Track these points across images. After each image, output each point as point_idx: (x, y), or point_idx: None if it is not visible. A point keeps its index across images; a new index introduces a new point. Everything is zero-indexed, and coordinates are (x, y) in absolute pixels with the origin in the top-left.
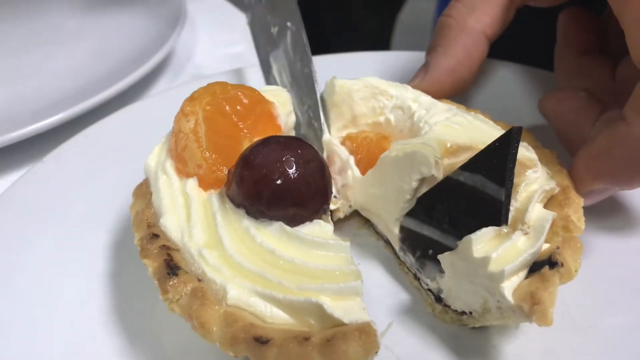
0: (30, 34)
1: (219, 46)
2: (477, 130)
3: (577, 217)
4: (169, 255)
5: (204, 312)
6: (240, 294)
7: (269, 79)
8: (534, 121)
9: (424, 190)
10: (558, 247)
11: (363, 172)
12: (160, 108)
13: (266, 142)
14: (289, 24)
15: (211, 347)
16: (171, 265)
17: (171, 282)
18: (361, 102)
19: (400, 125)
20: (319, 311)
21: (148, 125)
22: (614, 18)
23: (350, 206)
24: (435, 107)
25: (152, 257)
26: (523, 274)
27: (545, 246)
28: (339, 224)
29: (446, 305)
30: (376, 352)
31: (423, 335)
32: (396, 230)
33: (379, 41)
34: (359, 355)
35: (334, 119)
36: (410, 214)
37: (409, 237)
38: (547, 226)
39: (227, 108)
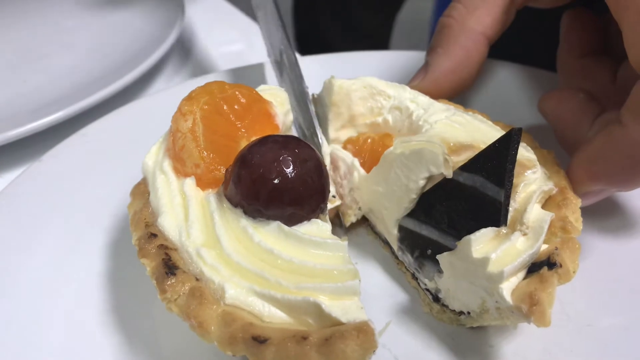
0: (28, 32)
1: (217, 45)
2: (477, 130)
3: (575, 217)
4: (167, 254)
5: (202, 311)
6: (238, 293)
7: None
8: (533, 121)
9: (427, 188)
10: (556, 248)
11: (368, 172)
12: (157, 107)
13: (263, 141)
14: (282, 47)
15: (209, 347)
16: (169, 265)
17: (169, 282)
18: (359, 102)
19: (399, 126)
20: (317, 310)
21: (145, 124)
22: (615, 20)
23: (359, 209)
24: (433, 107)
25: (150, 257)
26: (522, 274)
27: (544, 247)
28: (336, 223)
29: (444, 305)
30: (374, 352)
31: (421, 335)
32: (395, 230)
33: (378, 40)
34: (357, 354)
35: (332, 118)
36: (409, 213)
37: (407, 237)
38: (546, 227)
39: (225, 107)
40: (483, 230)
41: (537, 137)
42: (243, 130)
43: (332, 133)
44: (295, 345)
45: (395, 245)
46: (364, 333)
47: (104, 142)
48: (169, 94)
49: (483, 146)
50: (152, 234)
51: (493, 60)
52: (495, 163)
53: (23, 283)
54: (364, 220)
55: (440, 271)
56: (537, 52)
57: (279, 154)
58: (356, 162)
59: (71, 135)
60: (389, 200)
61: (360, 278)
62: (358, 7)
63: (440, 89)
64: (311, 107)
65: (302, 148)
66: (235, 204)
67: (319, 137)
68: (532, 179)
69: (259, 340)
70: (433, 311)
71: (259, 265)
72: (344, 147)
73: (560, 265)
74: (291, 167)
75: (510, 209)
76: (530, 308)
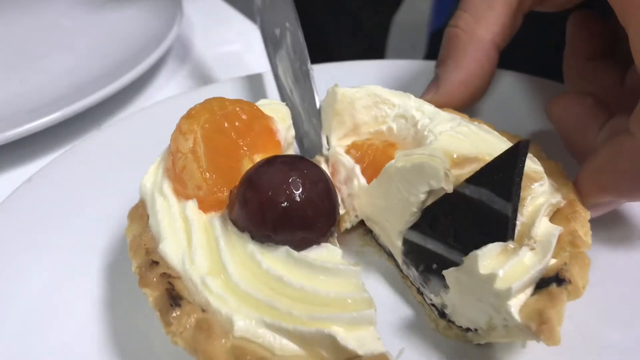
0: (26, 32)
1: (215, 45)
2: (483, 141)
3: (584, 231)
4: (170, 283)
5: (210, 345)
6: (247, 325)
7: (277, 82)
8: (539, 131)
9: (429, 202)
10: (565, 264)
11: (369, 180)
12: (152, 121)
13: (271, 162)
14: (287, 24)
15: None
16: (173, 295)
17: (174, 314)
18: (363, 110)
19: (404, 134)
20: (332, 342)
21: (140, 140)
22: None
23: (356, 216)
24: (439, 116)
25: (152, 286)
26: (530, 290)
27: (552, 262)
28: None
29: (450, 321)
30: None
31: (426, 351)
32: (399, 243)
33: (375, 40)
34: None
35: (335, 127)
36: (414, 226)
37: (412, 251)
38: (554, 241)
39: (226, 125)
40: (490, 246)
41: (544, 147)
42: (245, 148)
43: (335, 141)
44: None
45: (399, 258)
46: None
47: (98, 158)
48: (166, 106)
49: (488, 158)
50: (153, 262)
51: (499, 70)
52: (503, 176)
53: (16, 311)
54: (368, 232)
55: (446, 286)
56: (539, 55)
57: (287, 175)
58: (357, 168)
59: (61, 152)
60: (391, 213)
61: (376, 307)
62: (356, 6)
63: (454, 102)
64: (314, 86)
65: (311, 169)
66: (241, 228)
67: (317, 114)
68: (539, 192)
69: None
70: (439, 327)
71: (268, 294)
72: (347, 152)
73: (570, 282)
74: (301, 190)
75: (517, 222)
76: (539, 326)
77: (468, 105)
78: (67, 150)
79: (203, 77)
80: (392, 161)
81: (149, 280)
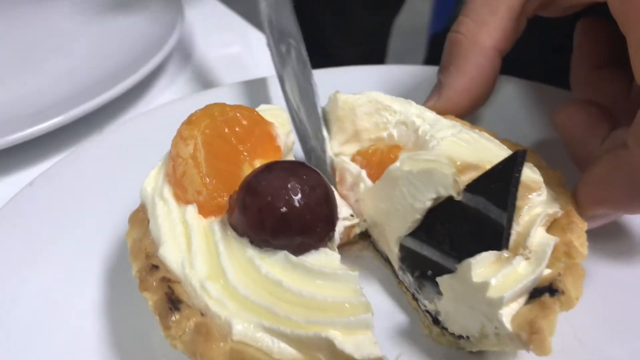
0: (28, 36)
1: (216, 48)
2: (484, 149)
3: (580, 242)
4: (170, 288)
5: (209, 348)
6: (245, 329)
7: (286, 99)
8: (541, 139)
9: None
10: (559, 274)
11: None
12: (153, 125)
13: (270, 167)
14: (291, 40)
15: None
16: (173, 300)
17: (173, 318)
18: (364, 117)
19: (404, 140)
20: (329, 346)
21: (141, 144)
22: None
23: (364, 220)
24: (439, 123)
25: (151, 290)
26: (522, 300)
27: (547, 272)
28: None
29: (443, 328)
30: None
31: (420, 357)
32: (396, 249)
33: (376, 43)
34: None
35: (336, 133)
36: (411, 232)
37: (408, 257)
38: (549, 252)
39: (226, 130)
40: (484, 254)
41: (545, 155)
42: (245, 153)
43: (335, 147)
44: None
45: (396, 264)
46: None
47: (98, 162)
48: (167, 110)
49: (489, 166)
50: (153, 266)
51: (500, 76)
52: (499, 185)
53: (16, 314)
54: (365, 237)
55: (440, 293)
56: (541, 60)
57: (287, 181)
58: (363, 173)
59: (62, 156)
60: (392, 218)
61: (373, 311)
62: (356, 9)
63: (457, 108)
64: (318, 102)
65: (310, 174)
66: (241, 233)
67: (324, 134)
68: (537, 202)
69: None
70: (433, 334)
71: (266, 298)
72: (353, 159)
73: (563, 292)
74: (300, 195)
75: (512, 232)
76: (529, 336)
77: (471, 112)
78: (68, 154)
79: (204, 81)
80: (397, 163)
81: (148, 284)
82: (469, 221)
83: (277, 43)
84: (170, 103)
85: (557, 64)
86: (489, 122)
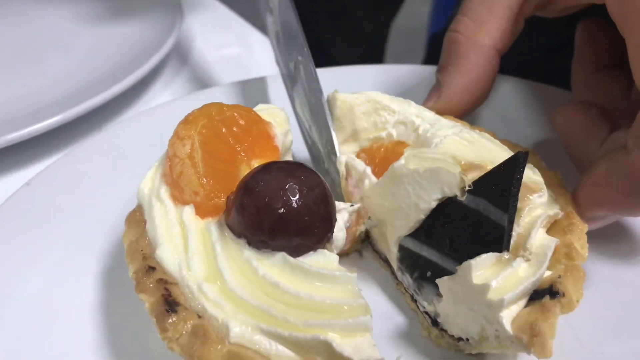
0: (26, 36)
1: (215, 48)
2: (484, 149)
3: (580, 244)
4: (166, 289)
5: (206, 351)
6: (243, 331)
7: (297, 117)
8: (539, 139)
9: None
10: (560, 276)
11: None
12: (150, 125)
13: (268, 168)
14: (299, 57)
15: None
16: (169, 302)
17: (170, 320)
18: (363, 116)
19: (404, 140)
20: (328, 349)
21: (138, 144)
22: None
23: (369, 218)
24: (439, 122)
25: (148, 292)
26: (523, 302)
27: (547, 273)
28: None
29: (443, 330)
30: None
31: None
32: (395, 249)
33: (375, 44)
34: None
35: (335, 133)
36: (410, 233)
37: (407, 257)
38: (549, 254)
39: (224, 130)
40: (484, 256)
41: (544, 155)
42: (243, 153)
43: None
44: None
45: (395, 264)
46: None
47: (96, 162)
48: (164, 110)
49: (491, 166)
50: (150, 267)
51: (499, 75)
52: (500, 186)
53: (12, 315)
54: (365, 237)
55: (439, 295)
56: (539, 59)
57: (284, 181)
58: (368, 170)
59: (59, 156)
60: (395, 216)
61: (371, 313)
62: (355, 10)
63: (457, 108)
64: (330, 124)
65: (308, 175)
66: (238, 234)
67: (337, 155)
68: (537, 203)
69: None
70: (432, 335)
71: (264, 300)
72: (358, 156)
73: (563, 295)
74: (298, 196)
75: (513, 234)
76: (530, 339)
77: (470, 111)
78: (65, 154)
79: (203, 81)
80: (402, 161)
81: (145, 286)
82: (469, 222)
83: (285, 61)
84: (168, 103)
85: (554, 64)
86: (488, 121)
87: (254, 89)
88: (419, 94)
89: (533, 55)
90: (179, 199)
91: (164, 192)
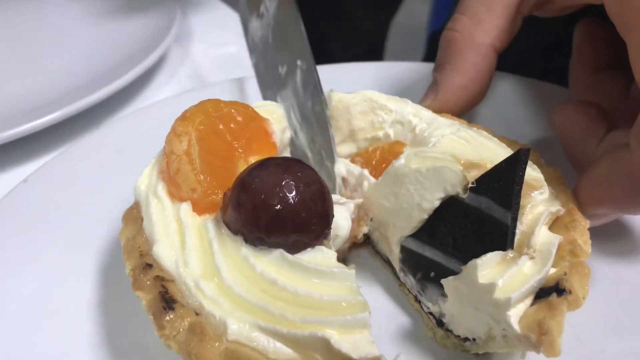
0: (25, 32)
1: (214, 46)
2: (483, 147)
3: (583, 240)
4: (163, 287)
5: (204, 348)
6: (241, 328)
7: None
8: (537, 137)
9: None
10: (565, 274)
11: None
12: (148, 122)
13: (264, 164)
14: (299, 62)
15: None
16: (167, 299)
17: (167, 317)
18: (359, 116)
19: (401, 139)
20: (326, 346)
21: (136, 141)
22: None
23: (371, 219)
24: (437, 121)
25: (145, 289)
26: (529, 300)
27: (552, 271)
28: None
29: (448, 330)
30: None
31: None
32: (397, 250)
33: (374, 43)
34: None
35: (334, 138)
36: (412, 234)
37: (409, 258)
38: (554, 251)
39: (221, 127)
40: (489, 255)
41: (542, 152)
42: (240, 150)
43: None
44: None
45: (397, 265)
46: None
47: (94, 159)
48: (162, 107)
49: (490, 165)
50: (147, 264)
51: (496, 72)
52: (502, 184)
53: (8, 312)
54: (366, 238)
55: (444, 295)
56: (535, 57)
57: (281, 178)
58: (366, 172)
59: (57, 153)
60: (397, 217)
61: (370, 310)
62: (355, 8)
63: (454, 106)
64: (330, 126)
65: (305, 171)
66: (235, 231)
67: (334, 159)
68: (539, 200)
69: None
70: (437, 336)
71: (262, 297)
72: (352, 161)
73: (570, 292)
74: (294, 192)
75: (517, 231)
76: (539, 337)
77: (467, 110)
78: (62, 151)
79: (202, 78)
80: (402, 160)
81: (142, 283)
82: (472, 221)
83: (274, 63)
84: (166, 100)
85: (552, 63)
86: (485, 119)
87: (252, 86)
88: (418, 91)
89: (531, 53)
90: (176, 195)
91: (161, 189)
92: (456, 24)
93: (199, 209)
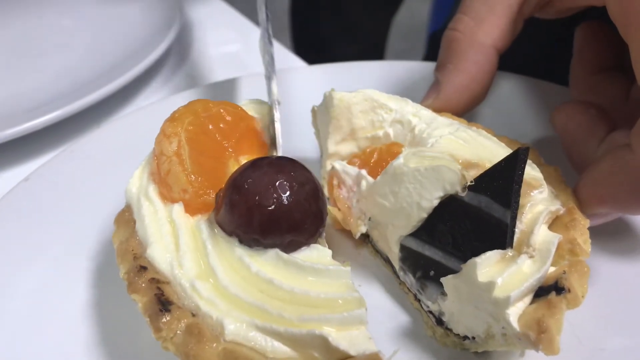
0: (25, 32)
1: (215, 45)
2: (482, 147)
3: (583, 239)
4: (159, 289)
5: (201, 349)
6: (238, 328)
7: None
8: (538, 136)
9: None
10: (564, 272)
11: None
12: (139, 124)
13: (257, 164)
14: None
15: None
16: (162, 301)
17: (164, 319)
18: (360, 115)
19: (401, 139)
20: (324, 343)
21: (135, 140)
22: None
23: (370, 219)
24: (436, 121)
25: (141, 292)
26: (528, 298)
27: (551, 269)
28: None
29: (448, 329)
30: None
31: (423, 359)
32: (396, 249)
33: (375, 42)
34: None
35: (332, 131)
36: (412, 232)
37: (409, 257)
38: (553, 250)
39: (210, 127)
40: (489, 253)
41: (542, 151)
42: (230, 150)
43: (331, 146)
44: None
45: (396, 264)
46: None
47: (94, 158)
48: (162, 107)
49: (488, 164)
50: (141, 267)
51: (497, 72)
52: (501, 183)
53: (4, 312)
54: (365, 237)
55: (443, 293)
56: (538, 60)
57: (274, 178)
58: (363, 171)
59: (58, 152)
60: (396, 216)
61: (366, 306)
62: (355, 8)
63: (455, 106)
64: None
65: (298, 170)
66: (229, 232)
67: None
68: (539, 199)
69: None
70: (436, 335)
71: (258, 296)
72: (350, 163)
73: (569, 290)
74: (288, 193)
75: (516, 230)
76: (538, 336)
77: (469, 109)
78: (64, 150)
79: (203, 78)
80: (400, 159)
81: (137, 286)
82: (471, 220)
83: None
84: (167, 99)
85: (552, 63)
86: (486, 118)
87: (244, 86)
88: (419, 90)
89: (532, 53)
90: (168, 197)
91: (152, 191)
92: (458, 24)
93: (191, 209)
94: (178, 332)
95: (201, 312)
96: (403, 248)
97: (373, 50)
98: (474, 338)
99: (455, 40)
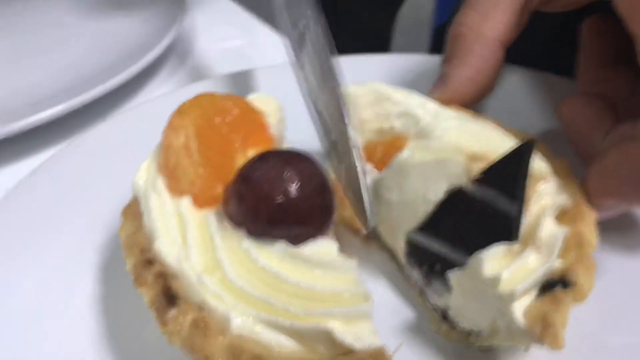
0: (29, 28)
1: (218, 41)
2: (489, 140)
3: (590, 233)
4: (166, 282)
5: (208, 344)
6: (244, 322)
7: (302, 87)
8: (545, 128)
9: None
10: (571, 266)
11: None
12: (146, 117)
13: (266, 157)
14: (304, 21)
15: None
16: (169, 295)
17: (170, 314)
18: (366, 108)
19: (406, 132)
20: (329, 337)
21: (141, 134)
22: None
23: (376, 213)
24: (442, 114)
25: (147, 286)
26: (534, 293)
27: (558, 263)
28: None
29: (453, 324)
30: None
31: (428, 354)
32: (402, 243)
33: (379, 37)
34: None
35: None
36: (418, 227)
37: (415, 251)
38: (560, 243)
39: (218, 120)
40: (494, 247)
41: (550, 144)
42: (238, 143)
43: None
44: None
45: (402, 259)
46: None
47: (98, 153)
48: (166, 101)
49: (495, 157)
50: (148, 260)
51: (504, 65)
52: (508, 175)
53: (8, 309)
54: (371, 232)
55: (449, 288)
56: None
57: (283, 170)
58: (369, 166)
59: (62, 146)
60: (403, 210)
61: (372, 300)
62: (360, 1)
63: (462, 98)
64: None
65: (306, 163)
66: (238, 223)
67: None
68: (545, 192)
69: None
70: (441, 330)
71: (264, 290)
72: None
73: (575, 285)
74: (297, 184)
75: (522, 223)
76: (543, 331)
77: (476, 102)
78: (68, 144)
79: (206, 72)
80: (406, 152)
81: (144, 280)
82: (477, 213)
83: (294, 21)
84: (172, 93)
85: (558, 56)
86: (493, 111)
87: (250, 81)
88: (425, 83)
89: (538, 47)
90: (176, 190)
91: (160, 184)
92: (464, 18)
93: (199, 202)
94: (184, 326)
95: (208, 305)
96: (409, 242)
97: (378, 43)
98: (479, 333)
99: (462, 34)
